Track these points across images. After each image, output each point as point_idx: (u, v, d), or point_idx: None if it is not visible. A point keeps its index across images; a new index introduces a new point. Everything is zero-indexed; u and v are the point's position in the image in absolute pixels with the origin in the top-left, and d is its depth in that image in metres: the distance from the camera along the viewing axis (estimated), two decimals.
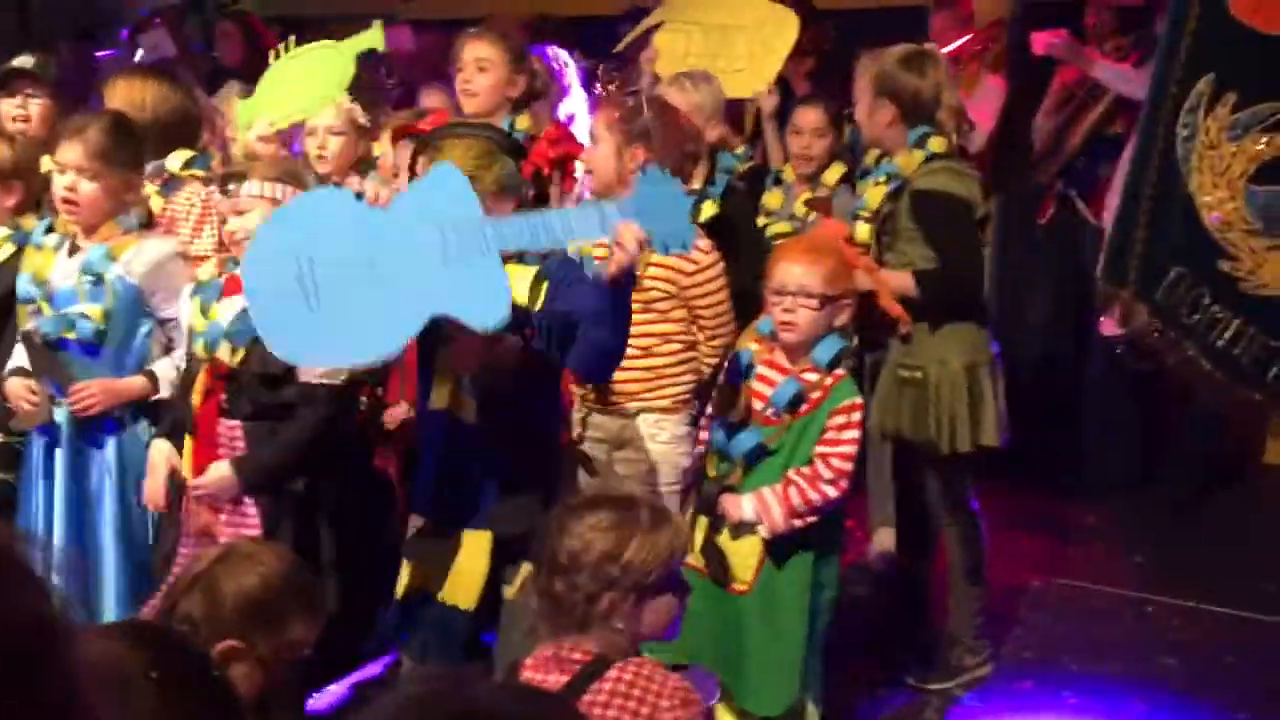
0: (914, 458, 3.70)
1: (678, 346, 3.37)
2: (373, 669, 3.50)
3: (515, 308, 2.65)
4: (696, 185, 3.65)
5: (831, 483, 2.93)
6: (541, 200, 3.06)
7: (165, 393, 3.25)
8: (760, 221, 4.05)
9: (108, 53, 6.33)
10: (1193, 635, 4.01)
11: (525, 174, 3.61)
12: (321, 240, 2.56)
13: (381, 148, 3.83)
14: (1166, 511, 4.76)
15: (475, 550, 2.76)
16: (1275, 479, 5.01)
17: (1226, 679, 3.73)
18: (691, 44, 4.29)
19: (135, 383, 3.25)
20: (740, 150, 4.50)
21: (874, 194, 3.63)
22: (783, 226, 3.99)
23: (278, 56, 3.76)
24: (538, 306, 2.67)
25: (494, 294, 2.46)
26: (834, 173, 4.08)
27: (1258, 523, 4.62)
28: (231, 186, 3.08)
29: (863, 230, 3.64)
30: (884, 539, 4.31)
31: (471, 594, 2.75)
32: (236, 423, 3.04)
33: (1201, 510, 4.79)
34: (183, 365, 3.20)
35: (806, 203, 4.08)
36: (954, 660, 3.77)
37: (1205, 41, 2.67)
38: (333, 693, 3.37)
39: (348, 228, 2.55)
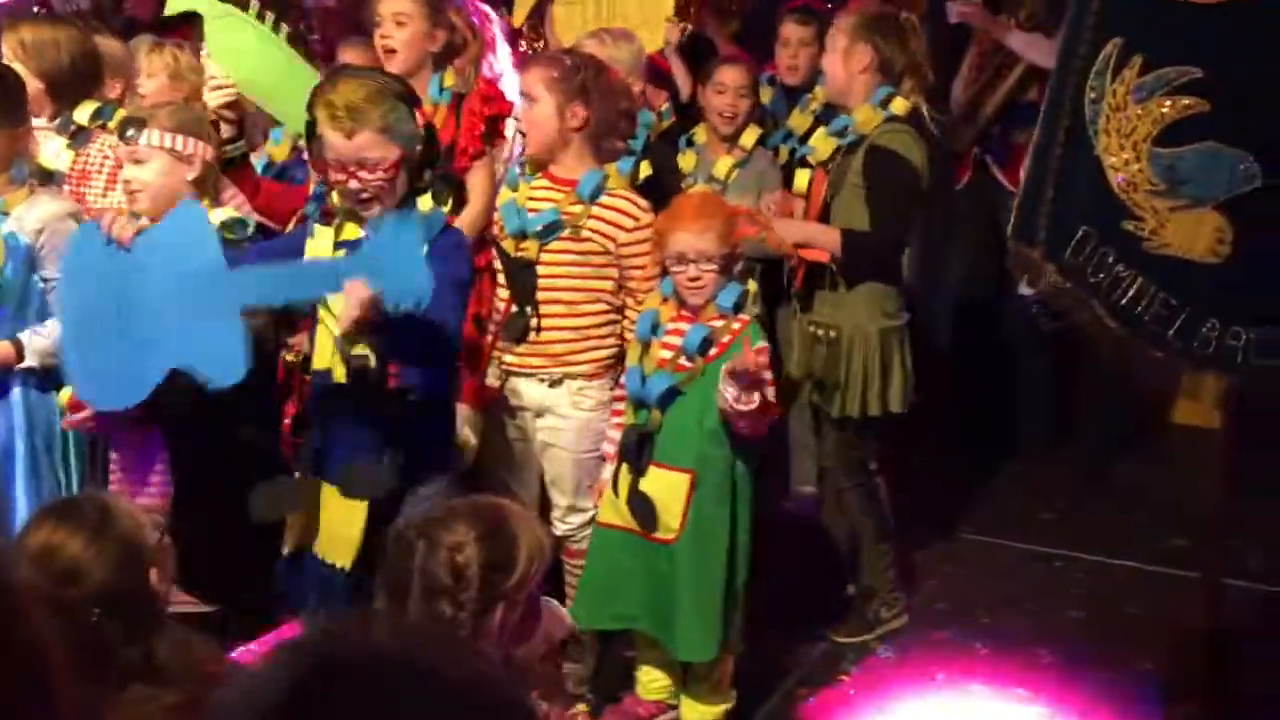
0: (817, 416, 3.77)
1: (604, 307, 3.39)
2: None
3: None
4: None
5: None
6: (454, 180, 3.00)
7: (31, 362, 3.13)
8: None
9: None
10: (1099, 588, 4.13)
11: (465, 135, 3.59)
12: (85, 280, 2.58)
13: None
14: (1077, 468, 4.89)
15: (349, 511, 2.72)
16: (1184, 437, 5.13)
17: (1130, 630, 3.84)
18: (586, 11, 4.31)
19: (2, 350, 3.11)
20: (665, 108, 4.52)
21: (827, 144, 3.64)
22: (702, 189, 4.00)
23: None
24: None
25: (232, 351, 2.44)
26: (750, 135, 4.09)
27: (1166, 480, 4.74)
28: (130, 133, 3.01)
29: (801, 178, 3.67)
30: (804, 494, 4.39)
31: (349, 552, 2.72)
32: None
33: (1111, 467, 4.92)
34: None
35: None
36: (869, 614, 3.85)
37: (1113, 7, 2.73)
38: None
39: (101, 268, 2.55)
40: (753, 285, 3.25)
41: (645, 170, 3.67)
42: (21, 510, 3.20)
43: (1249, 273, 2.68)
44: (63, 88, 3.53)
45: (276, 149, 3.84)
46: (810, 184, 3.68)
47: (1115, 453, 5.01)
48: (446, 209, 2.83)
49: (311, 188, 3.30)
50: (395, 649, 0.88)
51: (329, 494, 2.76)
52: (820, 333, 3.63)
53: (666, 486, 3.10)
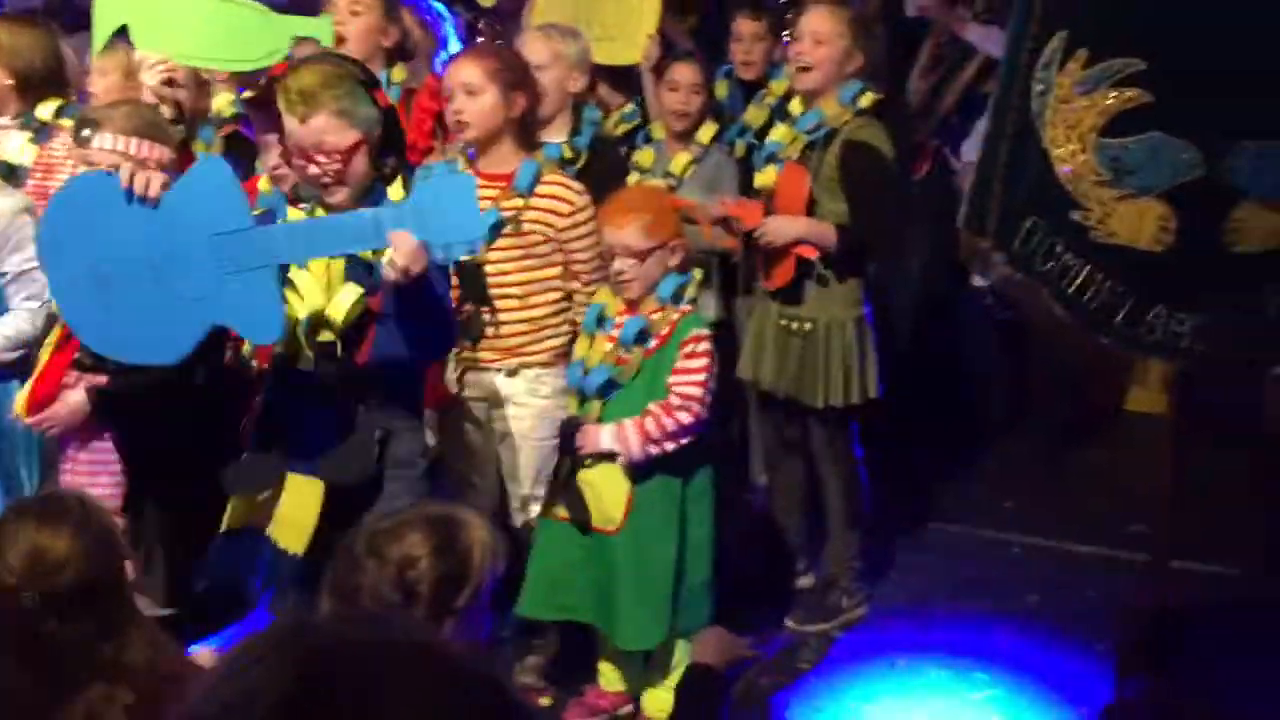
0: (797, 408, 3.79)
1: (555, 295, 3.41)
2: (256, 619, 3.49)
3: (361, 261, 2.66)
4: (562, 138, 3.67)
5: (682, 409, 3.04)
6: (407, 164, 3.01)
7: None
8: (633, 178, 4.07)
9: None
10: (1057, 574, 4.18)
11: (414, 130, 3.59)
12: (105, 233, 2.50)
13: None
14: (1032, 456, 4.95)
15: (305, 496, 2.72)
16: (1138, 425, 5.21)
17: (1087, 614, 3.90)
18: (565, 10, 4.30)
19: None
20: (629, 109, 4.53)
21: (794, 140, 3.65)
22: (656, 184, 4.01)
23: None
24: (385, 258, 2.64)
25: (268, 309, 2.44)
26: (707, 131, 4.08)
27: (1121, 466, 4.81)
28: (85, 133, 3.01)
29: (768, 174, 3.68)
30: (762, 485, 4.42)
31: (302, 538, 2.72)
32: (100, 377, 3.00)
33: (1067, 455, 4.98)
34: (26, 324, 3.14)
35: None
36: (831, 603, 3.89)
37: (1057, 0, 2.77)
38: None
39: (126, 222, 2.49)
40: (698, 274, 3.27)
41: (580, 159, 3.67)
42: None
43: (1192, 260, 2.73)
44: (31, 87, 3.57)
45: (210, 149, 3.81)
46: (776, 179, 3.69)
47: (1073, 439, 5.07)
48: None
49: (261, 180, 3.30)
50: (389, 638, 0.89)
51: (290, 479, 2.75)
52: (795, 325, 3.67)
53: (607, 478, 3.12)
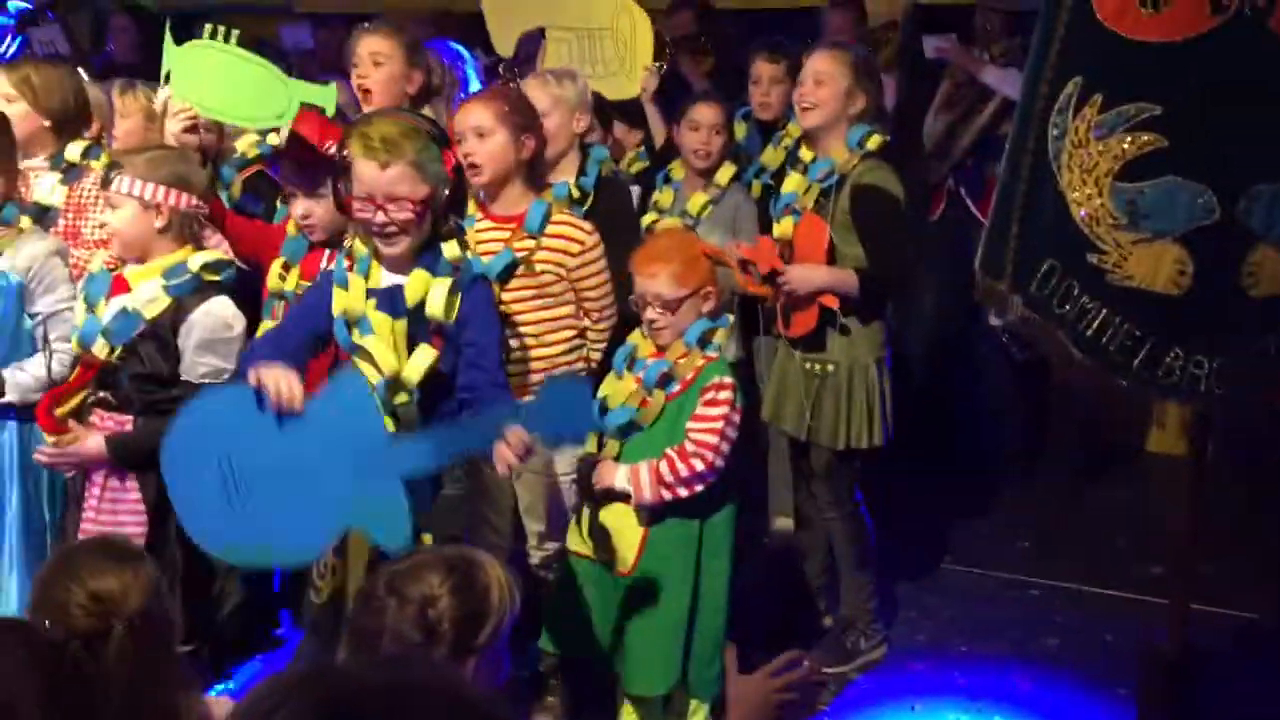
0: (809, 450, 3.80)
1: (569, 334, 3.43)
2: (278, 656, 3.50)
3: (428, 318, 2.72)
4: (569, 177, 3.70)
5: (697, 455, 3.04)
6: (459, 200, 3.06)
7: (12, 397, 3.19)
8: (650, 218, 4.09)
9: None
10: (1077, 616, 4.17)
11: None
12: (239, 441, 2.60)
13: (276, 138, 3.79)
14: (1051, 498, 4.94)
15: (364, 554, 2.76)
16: (1157, 466, 5.20)
17: (1107, 657, 3.88)
18: (570, 52, 4.37)
19: None
20: (640, 149, 4.58)
21: (810, 192, 3.67)
22: (673, 222, 4.03)
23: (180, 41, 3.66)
24: (452, 318, 2.72)
25: (398, 516, 2.51)
26: (725, 173, 4.12)
27: (1140, 508, 4.80)
28: (110, 176, 3.05)
29: (785, 225, 3.71)
30: (782, 527, 4.42)
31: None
32: (125, 417, 3.03)
33: (1085, 496, 4.97)
34: (57, 364, 3.18)
35: None
36: (849, 644, 3.88)
37: (1073, 45, 2.78)
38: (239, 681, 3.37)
39: (261, 430, 2.58)
40: (731, 318, 3.28)
41: (585, 199, 3.71)
42: (15, 551, 3.22)
43: (1208, 303, 2.73)
44: (65, 126, 3.63)
45: (230, 188, 3.87)
46: (795, 230, 3.71)
47: (1089, 481, 5.06)
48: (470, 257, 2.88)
49: (289, 224, 3.34)
50: (411, 681, 0.90)
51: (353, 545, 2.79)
52: (818, 369, 3.68)
53: (622, 519, 3.13)
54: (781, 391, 3.79)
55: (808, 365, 3.70)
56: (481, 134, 3.34)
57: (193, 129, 3.48)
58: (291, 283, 3.27)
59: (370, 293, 2.80)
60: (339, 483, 2.52)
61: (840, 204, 3.62)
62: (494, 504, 3.54)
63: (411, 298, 2.76)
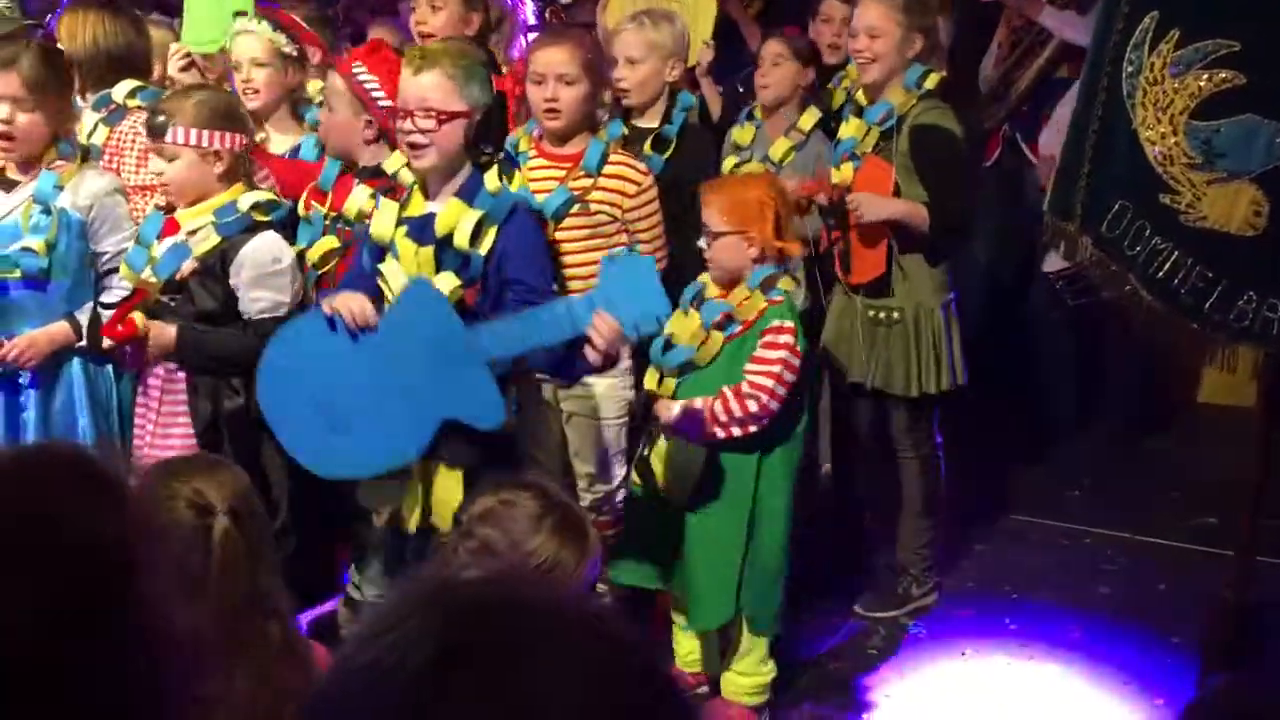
0: (879, 395, 3.76)
1: None
2: (327, 606, 3.52)
3: (457, 252, 2.70)
4: (655, 123, 3.66)
5: (751, 397, 3.03)
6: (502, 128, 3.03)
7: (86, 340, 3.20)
8: (730, 160, 3.96)
9: None
10: (1129, 565, 4.14)
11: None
12: (326, 371, 2.69)
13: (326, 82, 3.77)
14: (1104, 446, 4.90)
15: (451, 481, 2.75)
16: (1210, 416, 5.14)
17: (1158, 606, 3.86)
18: (636, 3, 4.26)
19: (60, 330, 3.18)
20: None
21: (870, 135, 3.60)
22: (755, 167, 3.89)
23: None
24: (482, 249, 2.70)
25: (489, 395, 2.60)
26: (809, 118, 3.96)
27: (1192, 458, 4.76)
28: (159, 121, 3.02)
29: (845, 170, 3.65)
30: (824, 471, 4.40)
31: (449, 517, 2.69)
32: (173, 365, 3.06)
33: (1138, 445, 4.92)
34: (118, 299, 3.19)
35: None
36: (901, 590, 3.87)
37: None
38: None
39: (345, 354, 2.67)
40: (800, 274, 3.25)
41: (668, 148, 3.66)
42: None
43: None
44: (89, 69, 3.59)
45: None
46: (855, 175, 3.66)
47: (1142, 430, 5.01)
48: (514, 188, 2.86)
49: (325, 163, 3.33)
50: (533, 594, 0.90)
51: (439, 473, 2.77)
52: (884, 315, 3.65)
53: (679, 454, 3.13)
54: (840, 339, 3.75)
55: (871, 312, 3.67)
56: (568, 81, 3.30)
57: (189, 67, 3.60)
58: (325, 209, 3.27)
59: (404, 220, 2.78)
60: (428, 381, 2.61)
61: (900, 145, 3.56)
62: (541, 443, 3.54)
63: (442, 228, 2.72)
